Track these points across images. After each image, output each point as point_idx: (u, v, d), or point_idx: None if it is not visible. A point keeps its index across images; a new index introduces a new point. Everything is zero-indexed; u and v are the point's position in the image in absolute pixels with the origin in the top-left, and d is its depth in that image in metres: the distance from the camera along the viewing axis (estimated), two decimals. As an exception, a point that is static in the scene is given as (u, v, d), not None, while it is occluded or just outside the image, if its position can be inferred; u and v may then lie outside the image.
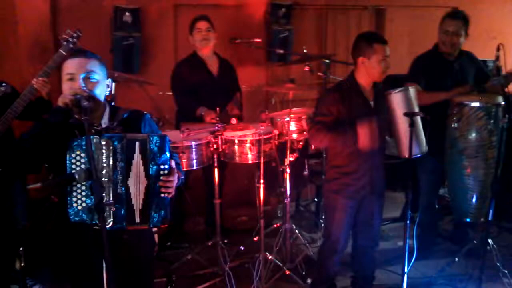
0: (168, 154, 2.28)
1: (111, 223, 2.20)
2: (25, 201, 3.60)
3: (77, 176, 2.15)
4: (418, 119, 3.10)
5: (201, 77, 4.23)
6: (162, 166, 2.26)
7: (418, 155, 3.14)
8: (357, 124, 3.00)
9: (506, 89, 3.64)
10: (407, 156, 3.04)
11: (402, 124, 3.04)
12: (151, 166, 2.24)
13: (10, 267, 3.32)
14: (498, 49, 3.58)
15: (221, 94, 4.25)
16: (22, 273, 2.16)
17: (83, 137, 2.15)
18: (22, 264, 2.11)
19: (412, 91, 3.05)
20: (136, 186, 2.23)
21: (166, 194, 2.27)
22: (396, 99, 3.03)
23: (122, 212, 2.22)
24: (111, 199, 2.19)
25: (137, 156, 2.23)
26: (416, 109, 3.07)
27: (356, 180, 3.21)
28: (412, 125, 2.99)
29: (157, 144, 2.25)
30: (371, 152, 3.11)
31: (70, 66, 2.31)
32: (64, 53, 3.36)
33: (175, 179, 2.30)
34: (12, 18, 4.43)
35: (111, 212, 2.19)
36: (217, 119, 3.77)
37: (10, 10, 4.42)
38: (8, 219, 3.50)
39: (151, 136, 2.26)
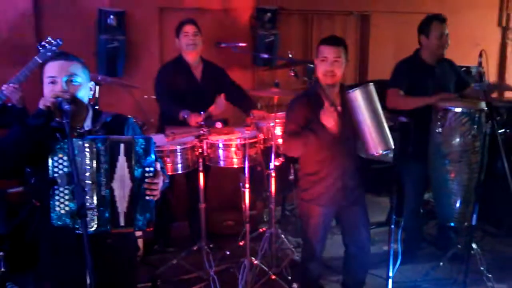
0: (153, 156, 2.26)
1: (95, 226, 2.17)
2: (4, 208, 3.55)
3: (59, 180, 2.12)
4: (381, 115, 3.03)
5: (185, 82, 4.20)
6: (147, 169, 2.23)
7: (386, 151, 3.06)
8: (320, 115, 3.00)
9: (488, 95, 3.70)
10: (374, 153, 3.00)
11: (365, 121, 2.98)
12: (136, 168, 2.22)
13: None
14: (480, 56, 3.62)
15: (205, 99, 4.23)
16: (2, 278, 2.13)
17: (65, 140, 2.11)
18: (3, 269, 2.08)
19: (372, 87, 3.00)
20: (121, 189, 2.21)
21: (151, 197, 2.24)
22: (357, 96, 2.97)
23: (107, 215, 2.19)
24: (94, 201, 2.17)
25: (121, 158, 2.21)
26: (379, 105, 3.02)
27: (328, 187, 3.20)
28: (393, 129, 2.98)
29: (142, 146, 2.23)
30: (342, 158, 3.13)
31: (52, 69, 2.27)
32: (39, 60, 3.31)
33: (160, 182, 2.28)
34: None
35: (95, 215, 2.16)
36: (202, 123, 3.74)
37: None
38: None
39: (136, 138, 2.24)
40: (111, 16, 4.63)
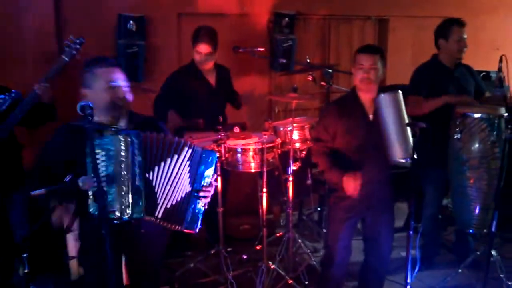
0: (213, 168, 2.52)
1: (130, 213, 2.32)
2: (25, 211, 3.60)
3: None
4: (405, 122, 3.01)
5: (199, 87, 4.22)
6: (207, 179, 2.50)
7: (406, 159, 3.04)
8: (344, 176, 3.07)
9: (508, 100, 3.67)
10: (394, 159, 3.01)
11: (388, 126, 2.99)
12: (198, 177, 2.47)
13: (10, 274, 3.34)
14: (501, 60, 3.60)
15: (219, 104, 4.26)
16: (26, 280, 2.18)
17: (102, 137, 2.32)
18: (26, 271, 2.13)
19: (399, 95, 3.01)
20: (176, 188, 2.43)
21: (202, 204, 2.49)
22: (383, 101, 2.99)
23: (140, 203, 2.34)
24: (129, 191, 2.32)
25: (184, 162, 2.44)
26: (405, 113, 3.03)
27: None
28: (414, 135, 2.97)
29: (210, 158, 2.51)
30: (369, 166, 3.12)
31: (108, 74, 2.49)
32: (66, 59, 3.38)
33: (211, 192, 2.52)
34: (17, 26, 4.46)
35: (129, 203, 2.31)
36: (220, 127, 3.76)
37: (16, 18, 4.45)
38: (5, 230, 3.52)
39: (206, 151, 2.52)
40: (131, 22, 4.70)
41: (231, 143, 3.77)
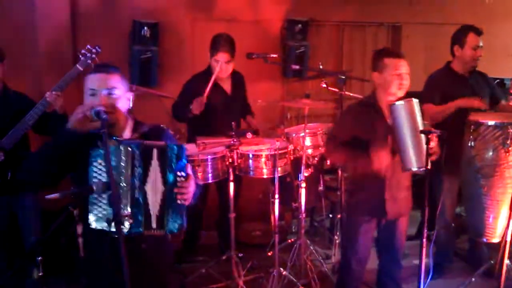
0: (184, 161, 2.32)
1: (128, 228, 2.23)
2: (38, 215, 3.64)
3: (95, 187, 2.18)
4: (419, 131, 3.00)
5: (214, 94, 4.20)
6: (179, 173, 2.30)
7: (419, 168, 3.01)
8: (371, 150, 3.01)
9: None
10: (408, 168, 2.98)
11: (403, 134, 2.97)
12: (168, 173, 2.28)
13: (24, 276, 3.37)
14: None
15: (234, 109, 4.27)
16: (40, 283, 2.19)
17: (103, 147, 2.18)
18: (40, 274, 2.15)
19: (415, 103, 2.99)
20: (154, 192, 2.27)
21: (182, 201, 2.30)
22: (398, 109, 2.97)
23: (140, 217, 2.25)
24: (128, 204, 2.22)
25: (154, 163, 2.27)
26: (420, 122, 3.01)
27: (370, 198, 3.19)
28: (427, 142, 2.96)
29: (174, 151, 2.30)
30: (390, 170, 3.10)
31: (92, 81, 2.35)
32: (80, 68, 3.41)
33: (191, 186, 2.33)
34: (32, 30, 4.51)
35: (129, 219, 2.22)
36: (233, 133, 3.76)
37: (30, 22, 4.51)
38: (18, 233, 3.55)
39: (169, 144, 2.32)
40: (145, 28, 4.73)
41: (243, 148, 3.77)
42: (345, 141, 3.15)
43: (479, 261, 4.00)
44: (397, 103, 2.99)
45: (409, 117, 2.96)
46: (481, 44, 3.90)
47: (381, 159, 3.01)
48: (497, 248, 3.66)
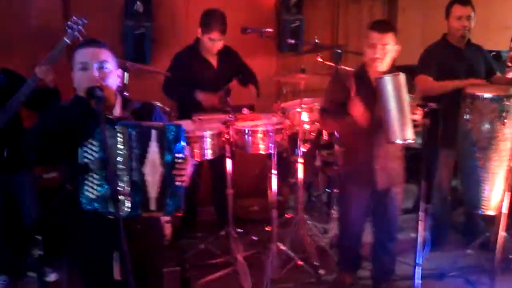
0: (183, 142, 2.29)
1: (127, 210, 2.20)
2: (36, 193, 3.64)
3: (92, 166, 2.15)
4: (405, 106, 3.01)
5: (201, 69, 4.25)
6: (177, 155, 2.26)
7: (402, 142, 3.06)
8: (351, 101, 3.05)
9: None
10: (390, 140, 3.02)
11: (387, 108, 2.99)
12: (166, 154, 2.25)
13: (24, 255, 3.38)
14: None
15: (221, 85, 4.26)
16: (40, 262, 2.20)
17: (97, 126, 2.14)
18: (40, 253, 2.15)
19: (401, 77, 2.99)
20: (152, 174, 2.23)
21: (180, 183, 2.27)
22: (383, 83, 2.98)
23: (137, 199, 2.23)
24: (126, 186, 2.20)
25: (153, 144, 2.23)
26: (405, 96, 3.00)
27: (363, 167, 3.23)
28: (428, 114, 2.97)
29: (172, 133, 2.26)
30: (379, 140, 3.12)
31: (83, 55, 2.30)
32: (67, 41, 3.37)
33: (189, 168, 2.31)
34: (23, 6, 4.43)
35: (127, 200, 2.20)
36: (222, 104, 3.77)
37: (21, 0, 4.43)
38: (16, 213, 3.56)
39: (167, 125, 2.28)
40: (138, 2, 4.65)
41: (239, 124, 3.77)
42: (333, 109, 3.19)
43: (475, 234, 4.04)
44: (384, 77, 2.99)
45: (394, 91, 2.97)
46: (467, 14, 3.87)
47: (358, 106, 3.04)
48: (492, 220, 3.70)
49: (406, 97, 2.99)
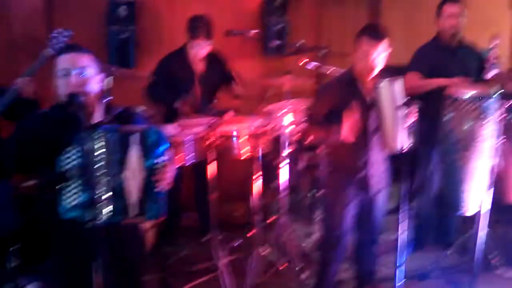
0: (164, 147, 2.29)
1: (107, 217, 2.18)
2: (16, 203, 3.59)
3: (71, 173, 2.15)
4: (399, 113, 3.02)
5: (186, 76, 4.25)
6: (158, 160, 2.26)
7: (405, 148, 3.06)
8: (343, 116, 2.99)
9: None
10: (397, 148, 3.02)
11: (387, 115, 3.00)
12: (147, 159, 2.24)
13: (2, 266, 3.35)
14: (494, 38, 3.58)
15: (208, 91, 4.25)
16: (15, 272, 2.18)
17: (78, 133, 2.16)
18: (15, 264, 2.13)
19: (399, 83, 3.00)
20: (132, 179, 2.22)
21: (162, 188, 2.27)
22: (383, 91, 2.98)
23: (118, 205, 2.20)
24: (106, 192, 2.18)
25: (133, 149, 2.22)
26: (399, 103, 3.01)
27: (352, 175, 3.22)
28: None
29: (153, 137, 2.26)
30: (368, 147, 3.12)
31: (64, 61, 2.33)
32: (51, 51, 3.34)
33: (171, 172, 2.31)
34: (6, 14, 4.42)
35: (107, 206, 2.19)
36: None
37: (3, 3, 4.41)
38: None
39: (148, 129, 2.27)
40: (122, 7, 4.64)
41: (224, 128, 3.77)
42: (322, 116, 3.15)
43: (455, 234, 4.06)
44: (382, 84, 2.96)
45: (395, 98, 2.97)
46: (459, 12, 3.91)
47: (350, 128, 2.97)
48: (472, 221, 3.73)
49: (402, 102, 3.01)
